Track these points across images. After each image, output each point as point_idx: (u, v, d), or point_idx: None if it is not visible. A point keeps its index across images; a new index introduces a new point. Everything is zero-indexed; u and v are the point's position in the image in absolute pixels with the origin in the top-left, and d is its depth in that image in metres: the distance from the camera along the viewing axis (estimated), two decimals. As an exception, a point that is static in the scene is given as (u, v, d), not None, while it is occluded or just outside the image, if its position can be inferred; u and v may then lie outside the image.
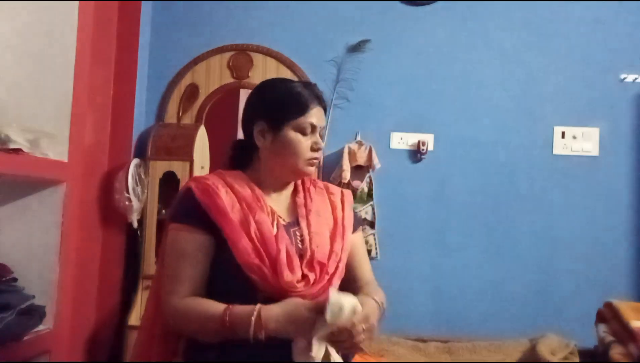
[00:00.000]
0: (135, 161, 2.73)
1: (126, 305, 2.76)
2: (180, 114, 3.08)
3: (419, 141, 2.99)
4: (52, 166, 1.63)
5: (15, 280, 1.57)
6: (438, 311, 2.92)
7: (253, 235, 1.23)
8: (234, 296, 1.19)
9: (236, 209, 1.26)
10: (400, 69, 3.05)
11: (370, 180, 2.94)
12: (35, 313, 1.56)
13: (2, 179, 1.58)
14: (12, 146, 1.50)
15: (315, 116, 1.32)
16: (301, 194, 1.39)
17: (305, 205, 1.37)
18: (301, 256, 1.28)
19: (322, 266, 1.28)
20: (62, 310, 1.65)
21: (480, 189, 2.99)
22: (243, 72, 3.09)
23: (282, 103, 1.34)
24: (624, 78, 2.98)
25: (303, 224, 1.33)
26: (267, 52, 3.09)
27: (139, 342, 1.39)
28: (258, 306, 1.14)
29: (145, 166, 2.77)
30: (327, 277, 1.28)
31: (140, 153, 2.89)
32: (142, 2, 2.94)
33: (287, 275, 1.21)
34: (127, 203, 2.63)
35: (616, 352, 1.92)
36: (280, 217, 1.33)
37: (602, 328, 2.11)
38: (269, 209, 1.31)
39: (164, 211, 2.79)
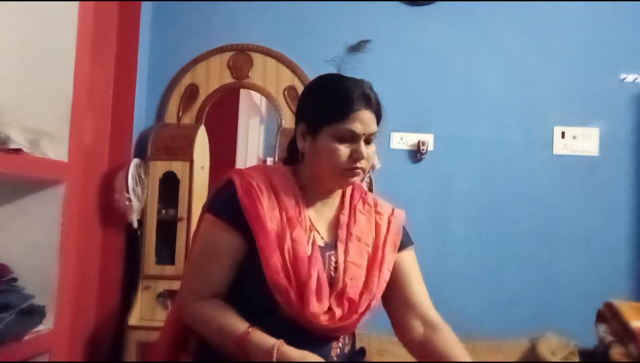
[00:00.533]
0: (135, 161, 2.73)
1: (126, 305, 2.75)
2: (180, 114, 3.08)
3: (419, 141, 2.99)
4: (52, 166, 1.63)
5: (15, 280, 1.57)
6: (438, 311, 2.92)
7: (286, 253, 1.15)
8: (255, 309, 1.15)
9: (275, 219, 1.18)
10: (400, 69, 3.05)
11: (370, 180, 2.94)
12: (35, 313, 1.56)
13: (2, 179, 1.58)
14: (12, 146, 1.50)
15: (358, 121, 1.19)
16: (346, 212, 1.27)
17: (348, 226, 1.25)
18: (331, 285, 1.19)
19: (352, 303, 1.18)
20: (62, 310, 1.65)
21: (480, 189, 2.99)
22: (243, 72, 3.09)
23: (320, 106, 1.23)
24: (624, 78, 2.98)
25: (340, 250, 1.23)
26: (267, 52, 3.09)
27: (157, 341, 1.36)
28: (278, 344, 1.07)
29: (145, 166, 2.77)
30: (354, 317, 1.19)
31: (140, 153, 2.89)
32: (142, 2, 2.94)
33: (314, 305, 1.14)
34: (127, 203, 2.63)
35: (616, 352, 1.92)
36: (319, 234, 1.24)
37: (602, 328, 2.11)
38: (308, 224, 1.22)
39: (164, 211, 2.79)
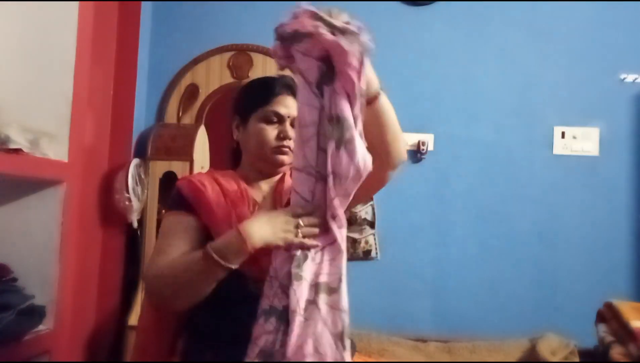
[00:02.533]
0: (135, 161, 2.73)
1: (126, 305, 2.76)
2: (180, 114, 3.08)
3: (419, 141, 2.99)
4: (52, 166, 1.63)
5: (15, 280, 1.57)
6: (438, 311, 2.93)
7: (233, 226, 1.20)
8: (225, 286, 1.16)
9: (221, 204, 1.27)
10: (400, 69, 3.05)
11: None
12: (35, 313, 1.56)
13: (2, 179, 1.58)
14: (12, 146, 1.50)
15: (281, 104, 1.31)
16: (283, 190, 1.35)
17: (279, 191, 1.35)
18: None
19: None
20: (62, 310, 1.65)
21: (480, 189, 2.99)
22: (243, 72, 3.09)
23: (247, 95, 1.38)
24: (624, 78, 2.98)
25: (278, 208, 1.30)
26: (267, 52, 3.09)
27: (136, 343, 1.39)
28: (235, 228, 1.12)
29: (145, 166, 2.77)
30: None
31: (140, 153, 2.89)
32: (142, 2, 2.94)
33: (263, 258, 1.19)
34: (127, 203, 2.63)
35: (616, 352, 1.92)
36: (263, 208, 1.32)
37: (602, 328, 2.11)
38: (252, 201, 1.31)
39: (164, 211, 2.78)
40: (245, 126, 1.36)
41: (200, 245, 1.21)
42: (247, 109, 1.35)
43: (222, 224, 1.23)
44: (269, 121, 1.31)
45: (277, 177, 1.38)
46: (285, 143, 1.31)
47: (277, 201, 1.33)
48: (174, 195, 1.34)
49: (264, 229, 1.12)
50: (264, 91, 1.34)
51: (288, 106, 1.32)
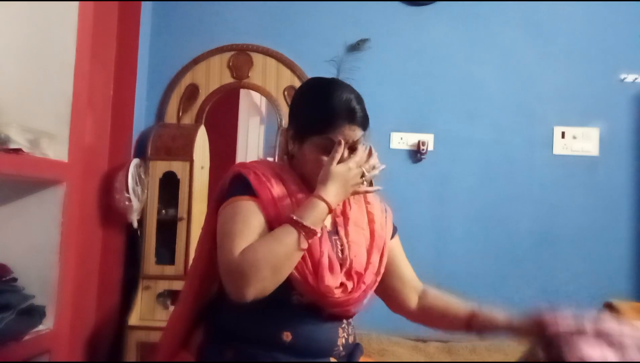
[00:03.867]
0: (135, 161, 2.73)
1: (126, 305, 2.75)
2: (180, 114, 3.08)
3: (419, 141, 2.99)
4: (52, 166, 1.63)
5: (15, 280, 1.57)
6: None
7: None
8: (268, 297, 1.13)
9: (287, 204, 1.21)
10: (400, 69, 3.05)
11: (370, 180, 2.94)
12: (35, 313, 1.56)
13: (2, 179, 1.58)
14: (12, 146, 1.50)
15: (340, 134, 1.22)
16: (340, 204, 1.30)
17: (344, 213, 1.32)
18: (340, 265, 1.24)
19: (360, 276, 1.25)
20: (62, 310, 1.65)
21: (480, 190, 2.99)
22: (243, 72, 3.09)
23: (306, 116, 1.28)
24: (624, 78, 2.98)
25: (342, 233, 1.29)
26: (267, 52, 3.09)
27: (164, 331, 1.36)
28: (315, 194, 1.17)
29: (145, 166, 2.77)
30: (363, 287, 1.25)
31: (140, 153, 2.89)
32: (142, 2, 2.94)
33: (328, 279, 1.18)
34: (127, 203, 2.63)
35: (616, 352, 1.92)
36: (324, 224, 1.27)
37: (602, 328, 2.11)
38: None
39: (164, 211, 2.79)
40: (301, 146, 1.28)
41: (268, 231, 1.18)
42: (304, 130, 1.27)
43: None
44: (325, 151, 1.23)
45: None
46: None
47: (331, 220, 1.30)
48: (236, 183, 1.23)
49: (338, 189, 1.18)
50: (321, 117, 1.23)
51: (347, 135, 1.23)
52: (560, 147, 2.99)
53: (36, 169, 1.58)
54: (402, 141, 3.02)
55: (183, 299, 1.34)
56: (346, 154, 1.24)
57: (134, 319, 2.66)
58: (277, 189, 1.22)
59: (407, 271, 1.44)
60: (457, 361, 2.64)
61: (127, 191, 2.62)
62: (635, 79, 2.97)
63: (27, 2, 1.64)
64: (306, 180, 1.29)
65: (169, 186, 2.77)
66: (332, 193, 1.17)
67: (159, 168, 2.78)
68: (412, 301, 1.43)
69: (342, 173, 1.19)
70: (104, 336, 2.74)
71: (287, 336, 1.17)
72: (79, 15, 1.67)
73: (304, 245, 1.13)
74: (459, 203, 2.99)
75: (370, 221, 1.36)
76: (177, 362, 1.29)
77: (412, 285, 1.43)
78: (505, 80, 3.03)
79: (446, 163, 3.01)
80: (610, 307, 2.14)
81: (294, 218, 1.13)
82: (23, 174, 1.55)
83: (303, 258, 1.17)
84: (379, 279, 1.31)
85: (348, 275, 1.23)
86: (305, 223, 1.12)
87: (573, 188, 2.95)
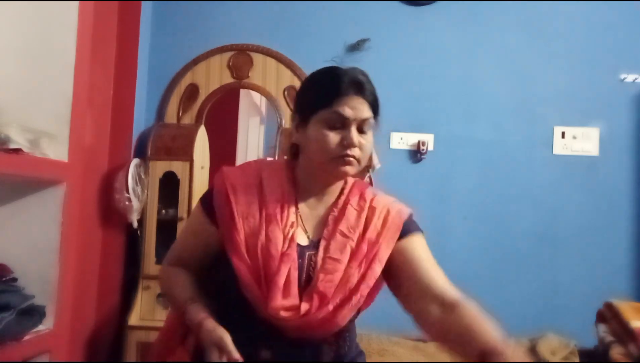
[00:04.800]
0: (135, 161, 2.73)
1: (126, 305, 2.76)
2: (180, 114, 3.08)
3: (419, 141, 2.99)
4: (52, 166, 1.63)
5: (15, 280, 1.57)
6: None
7: (259, 249, 1.13)
8: (237, 310, 1.16)
9: (252, 216, 1.16)
10: (400, 69, 3.05)
11: (370, 180, 2.94)
12: (35, 313, 1.56)
13: (2, 179, 1.58)
14: (12, 146, 1.50)
15: (347, 105, 1.14)
16: (337, 209, 1.22)
17: (335, 222, 1.20)
18: (308, 283, 1.15)
19: (323, 297, 1.12)
20: (62, 310, 1.65)
21: (480, 189, 2.99)
22: (243, 72, 3.09)
23: (310, 95, 1.21)
24: (624, 78, 2.98)
25: (322, 246, 1.18)
26: (267, 52, 3.09)
27: (160, 334, 1.38)
28: (203, 320, 1.15)
29: (145, 166, 2.77)
30: (328, 308, 1.12)
31: (140, 153, 2.89)
32: (142, 2, 2.94)
33: (276, 300, 1.10)
34: (127, 203, 2.63)
35: (616, 352, 1.92)
36: (306, 232, 1.21)
37: (602, 328, 2.11)
38: (293, 221, 1.18)
39: (164, 211, 2.79)
40: (305, 129, 1.19)
41: (211, 248, 1.25)
42: (308, 109, 1.18)
43: (240, 246, 1.14)
44: (332, 126, 1.15)
45: (334, 195, 1.25)
46: (350, 151, 1.15)
47: (321, 229, 1.21)
48: (208, 189, 1.25)
49: (207, 345, 1.13)
50: (327, 90, 1.16)
51: (355, 107, 1.15)
52: (560, 147, 2.99)
53: (36, 169, 1.58)
54: (402, 141, 3.02)
55: None
56: (355, 134, 1.15)
57: (134, 319, 2.66)
58: (244, 201, 1.17)
59: (425, 276, 1.22)
60: (457, 361, 2.64)
61: (127, 191, 2.62)
62: (635, 79, 2.97)
63: (27, 2, 1.64)
64: (308, 171, 1.23)
65: (169, 186, 2.77)
66: (207, 330, 1.14)
67: (159, 168, 2.78)
68: (431, 314, 1.17)
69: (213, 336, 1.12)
70: (104, 336, 2.74)
71: (266, 354, 1.16)
72: (79, 15, 1.67)
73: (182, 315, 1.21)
74: (459, 203, 2.99)
75: (366, 229, 1.21)
76: (173, 362, 1.28)
77: (433, 293, 1.19)
78: (505, 80, 3.03)
79: (446, 163, 3.01)
80: (610, 307, 2.14)
81: (184, 303, 1.20)
82: (23, 174, 1.55)
83: (256, 274, 1.12)
84: (357, 298, 1.15)
85: (308, 296, 1.13)
86: (188, 318, 1.18)
87: (573, 188, 2.95)
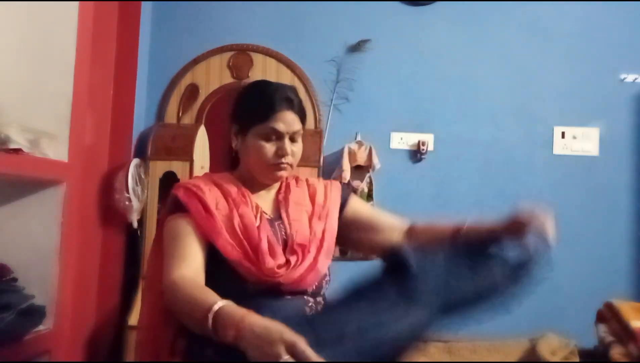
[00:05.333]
0: (135, 161, 2.73)
1: (126, 305, 2.75)
2: (180, 114, 3.08)
3: (419, 141, 2.99)
4: (52, 166, 1.63)
5: (15, 280, 1.57)
6: (438, 311, 2.92)
7: (237, 227, 1.27)
8: (226, 289, 1.17)
9: (221, 204, 1.30)
10: (400, 69, 3.05)
11: (371, 180, 2.94)
12: (35, 313, 1.56)
13: (2, 179, 1.58)
14: (12, 146, 1.50)
15: (281, 121, 1.32)
16: (282, 191, 1.42)
17: (285, 198, 1.39)
18: (285, 245, 1.31)
19: (303, 247, 1.30)
20: (62, 310, 1.65)
21: (480, 190, 2.99)
22: (243, 72, 3.09)
23: (246, 109, 1.38)
24: (624, 78, 2.98)
25: (284, 215, 1.36)
26: (267, 52, 3.09)
27: (138, 340, 1.39)
28: (245, 315, 1.03)
29: (145, 166, 2.77)
30: (310, 257, 1.30)
31: (140, 153, 2.89)
32: (142, 2, 2.94)
33: (269, 262, 1.23)
34: (127, 203, 2.63)
35: (616, 352, 1.92)
36: (265, 213, 1.36)
37: (602, 328, 2.11)
38: (254, 205, 1.34)
39: (163, 215, 2.78)
40: (244, 138, 1.36)
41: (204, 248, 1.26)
42: (246, 122, 1.36)
43: (219, 227, 1.26)
44: (268, 139, 1.32)
45: (275, 186, 1.43)
46: (284, 159, 1.33)
47: (276, 209, 1.38)
48: (171, 200, 1.37)
49: (258, 342, 0.97)
50: (262, 107, 1.33)
51: (287, 122, 1.32)
52: (560, 147, 2.99)
53: (36, 169, 1.58)
54: (402, 141, 3.02)
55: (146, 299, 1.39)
56: (288, 145, 1.33)
57: (134, 319, 2.66)
58: (210, 195, 1.31)
59: (381, 219, 1.47)
60: (457, 361, 2.64)
61: (127, 191, 2.62)
62: (635, 79, 2.97)
63: (27, 2, 1.64)
64: (249, 175, 1.38)
65: (169, 186, 2.76)
66: (252, 341, 0.99)
67: (159, 168, 2.78)
68: (396, 241, 1.43)
69: (270, 332, 0.98)
70: (104, 336, 2.74)
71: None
72: (79, 15, 1.67)
73: (205, 327, 1.06)
74: (459, 203, 2.99)
75: (312, 196, 1.42)
76: (165, 362, 1.30)
77: (392, 227, 1.45)
78: (506, 80, 3.03)
79: (446, 163, 3.01)
80: (610, 307, 2.14)
81: (212, 304, 1.06)
82: (23, 174, 1.55)
83: (242, 247, 1.24)
84: (327, 245, 1.34)
85: (291, 250, 1.29)
86: (217, 317, 1.04)
87: (573, 188, 2.95)
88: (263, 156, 1.32)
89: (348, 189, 1.52)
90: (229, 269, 1.24)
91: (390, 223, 1.47)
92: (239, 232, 1.26)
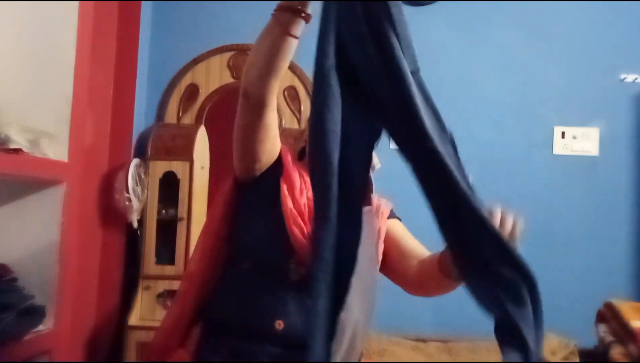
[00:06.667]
0: (135, 161, 2.73)
1: (126, 305, 2.75)
2: (180, 114, 3.08)
3: (419, 141, 2.98)
4: (52, 166, 1.63)
5: (15, 280, 1.57)
6: (438, 311, 2.92)
7: (302, 206, 1.29)
8: (267, 250, 1.23)
9: (300, 203, 1.30)
10: (400, 69, 3.05)
11: (371, 180, 2.93)
12: (35, 313, 1.56)
13: (2, 179, 1.58)
14: (12, 146, 1.50)
15: None
16: None
17: None
18: None
19: None
20: (62, 310, 1.65)
21: (480, 190, 2.98)
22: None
23: None
24: (624, 78, 2.98)
25: None
26: (267, 52, 3.09)
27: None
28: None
29: (145, 166, 2.77)
30: None
31: (140, 153, 2.89)
32: (142, 2, 2.94)
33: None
34: (127, 203, 2.63)
35: (616, 352, 1.92)
36: None
37: (602, 328, 2.11)
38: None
39: (164, 211, 2.79)
40: None
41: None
42: None
43: (296, 193, 1.30)
44: None
45: None
46: None
47: None
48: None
49: None
50: None
51: None
52: (560, 147, 2.99)
53: (36, 169, 1.58)
54: (402, 141, 3.02)
55: (181, 300, 1.33)
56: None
57: (134, 319, 2.66)
58: (296, 180, 1.34)
59: (410, 248, 1.51)
60: (457, 361, 2.64)
61: (127, 191, 2.62)
62: (635, 79, 2.97)
63: (27, 2, 1.64)
64: None
65: (169, 186, 2.77)
66: None
67: (159, 168, 2.78)
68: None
69: None
70: (104, 336, 2.74)
71: (279, 324, 1.17)
72: (79, 16, 1.67)
73: (286, 25, 1.19)
74: (459, 203, 2.99)
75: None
76: (173, 362, 1.29)
77: (415, 255, 1.47)
78: (505, 80, 3.03)
79: (446, 163, 3.00)
80: (610, 307, 2.14)
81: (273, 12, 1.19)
82: (23, 174, 1.55)
83: (304, 222, 1.24)
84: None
85: None
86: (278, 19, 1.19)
87: (573, 188, 2.95)
88: None
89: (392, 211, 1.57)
90: (278, 241, 1.23)
91: (423, 254, 1.52)
92: (305, 212, 1.28)
